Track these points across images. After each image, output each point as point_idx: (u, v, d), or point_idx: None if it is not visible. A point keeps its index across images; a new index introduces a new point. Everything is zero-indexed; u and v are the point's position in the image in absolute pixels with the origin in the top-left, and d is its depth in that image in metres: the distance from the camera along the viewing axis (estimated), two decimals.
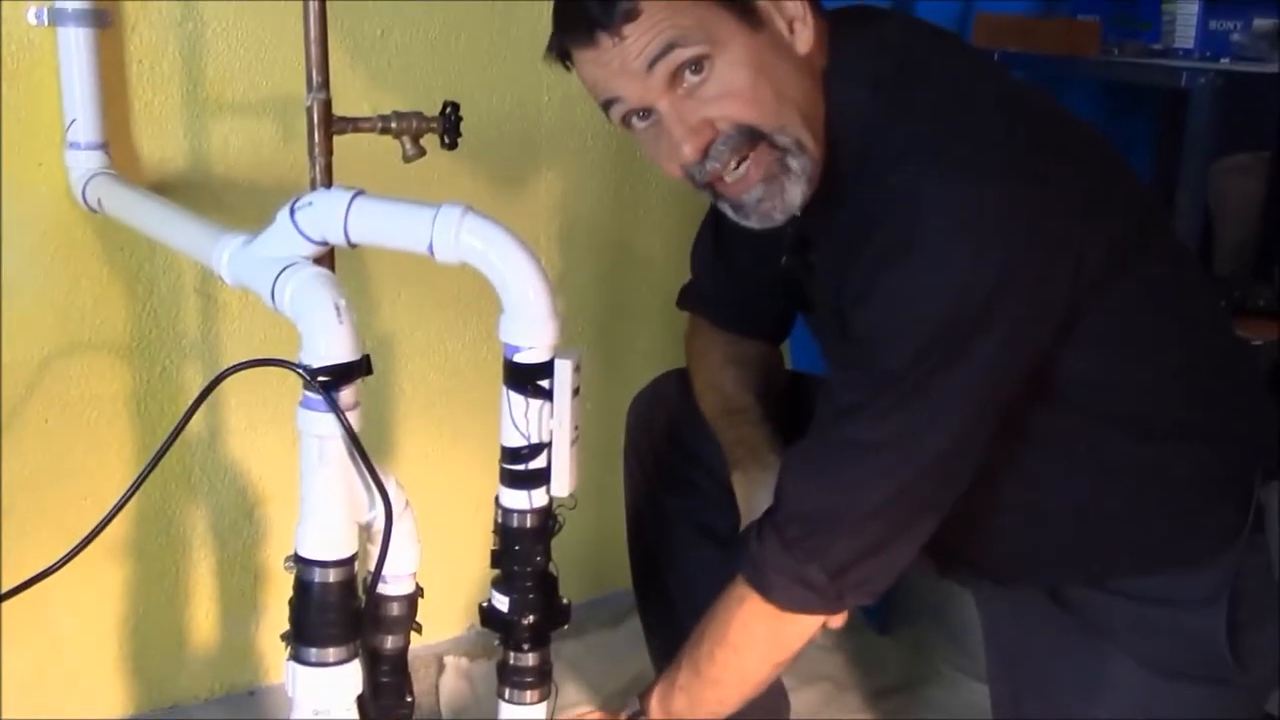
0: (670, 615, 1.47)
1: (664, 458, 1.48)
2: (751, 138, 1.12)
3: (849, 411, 1.11)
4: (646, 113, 1.14)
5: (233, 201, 1.58)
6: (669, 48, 1.09)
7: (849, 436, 1.12)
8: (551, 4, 1.17)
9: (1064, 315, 1.10)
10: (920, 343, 1.06)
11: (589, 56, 1.13)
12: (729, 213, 1.19)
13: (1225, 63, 1.93)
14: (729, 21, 1.11)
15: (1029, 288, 1.06)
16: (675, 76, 1.11)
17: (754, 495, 1.29)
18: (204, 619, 1.73)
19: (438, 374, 1.84)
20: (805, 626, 1.19)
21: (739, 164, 1.13)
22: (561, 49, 1.16)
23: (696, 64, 1.10)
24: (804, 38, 1.14)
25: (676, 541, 1.47)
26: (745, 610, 1.18)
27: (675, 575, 1.48)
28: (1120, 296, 1.13)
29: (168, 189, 1.52)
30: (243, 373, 1.09)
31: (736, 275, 1.42)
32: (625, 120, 1.16)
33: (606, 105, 1.16)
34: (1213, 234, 2.27)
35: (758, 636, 1.19)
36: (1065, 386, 1.16)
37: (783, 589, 1.16)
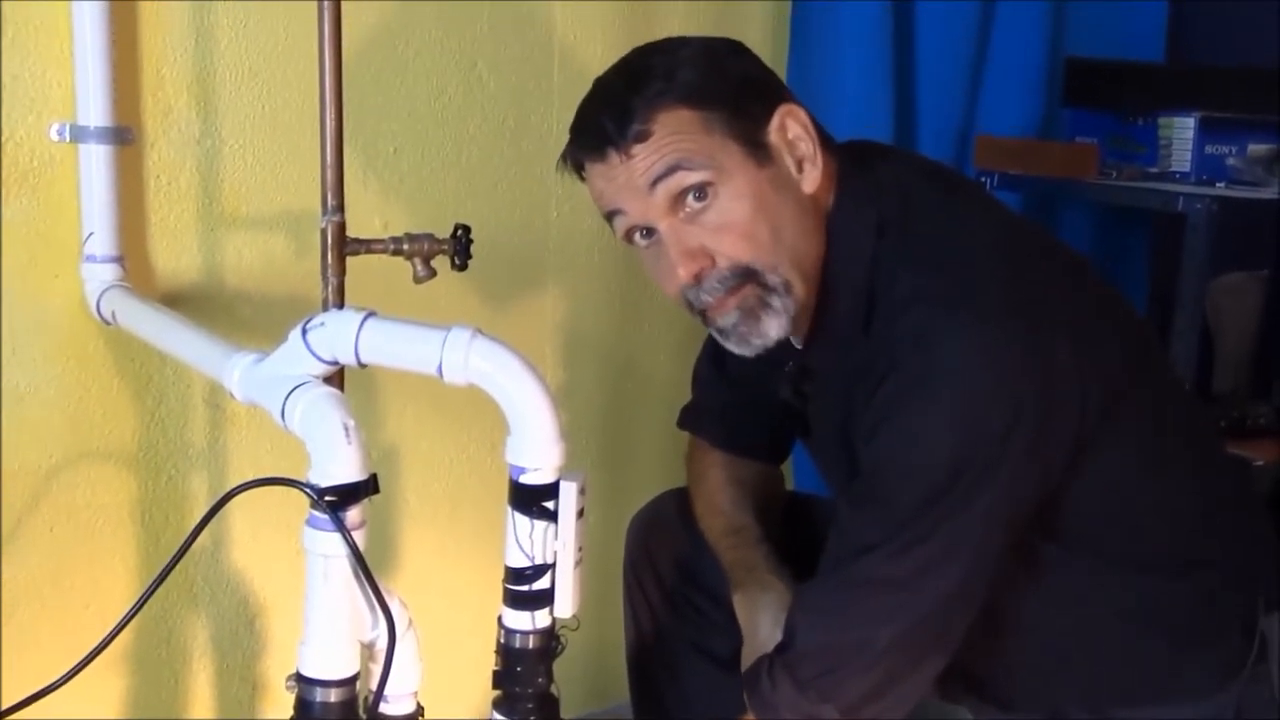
0: None
1: (665, 579, 1.48)
2: (744, 276, 1.15)
3: (865, 550, 1.12)
4: (648, 231, 1.17)
5: (244, 314, 1.60)
6: (673, 169, 1.13)
7: (864, 574, 1.12)
8: (562, 119, 1.21)
9: (1072, 447, 1.12)
10: (936, 483, 1.08)
11: (598, 170, 1.17)
12: (717, 337, 1.22)
13: (1221, 186, 1.97)
14: (737, 153, 1.14)
15: (1038, 425, 1.08)
16: (678, 199, 1.14)
17: (756, 618, 1.29)
18: None
19: (442, 487, 1.85)
20: None
21: (727, 296, 1.16)
22: (575, 159, 1.20)
23: (700, 190, 1.14)
24: (811, 178, 1.18)
25: (677, 663, 1.47)
26: None
27: (675, 697, 1.47)
28: (1122, 431, 1.15)
29: (181, 301, 1.55)
30: None
31: (736, 397, 1.44)
32: (628, 235, 1.20)
33: (610, 216, 1.19)
34: (1211, 353, 2.29)
35: None
36: (1072, 523, 1.17)
37: None
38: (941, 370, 1.07)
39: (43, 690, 1.12)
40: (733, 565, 1.36)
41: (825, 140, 1.21)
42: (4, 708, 1.15)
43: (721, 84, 1.16)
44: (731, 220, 1.14)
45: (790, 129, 1.17)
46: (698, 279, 1.15)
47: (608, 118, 1.15)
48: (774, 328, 1.18)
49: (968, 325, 1.08)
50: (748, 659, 1.28)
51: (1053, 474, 1.12)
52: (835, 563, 1.16)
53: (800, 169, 1.17)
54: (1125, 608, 1.21)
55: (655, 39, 1.22)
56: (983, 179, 2.09)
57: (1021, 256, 1.18)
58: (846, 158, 1.22)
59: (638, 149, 1.13)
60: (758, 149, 1.15)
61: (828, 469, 1.34)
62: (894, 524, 1.10)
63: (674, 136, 1.13)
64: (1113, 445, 1.14)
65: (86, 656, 1.10)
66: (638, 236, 1.19)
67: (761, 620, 1.29)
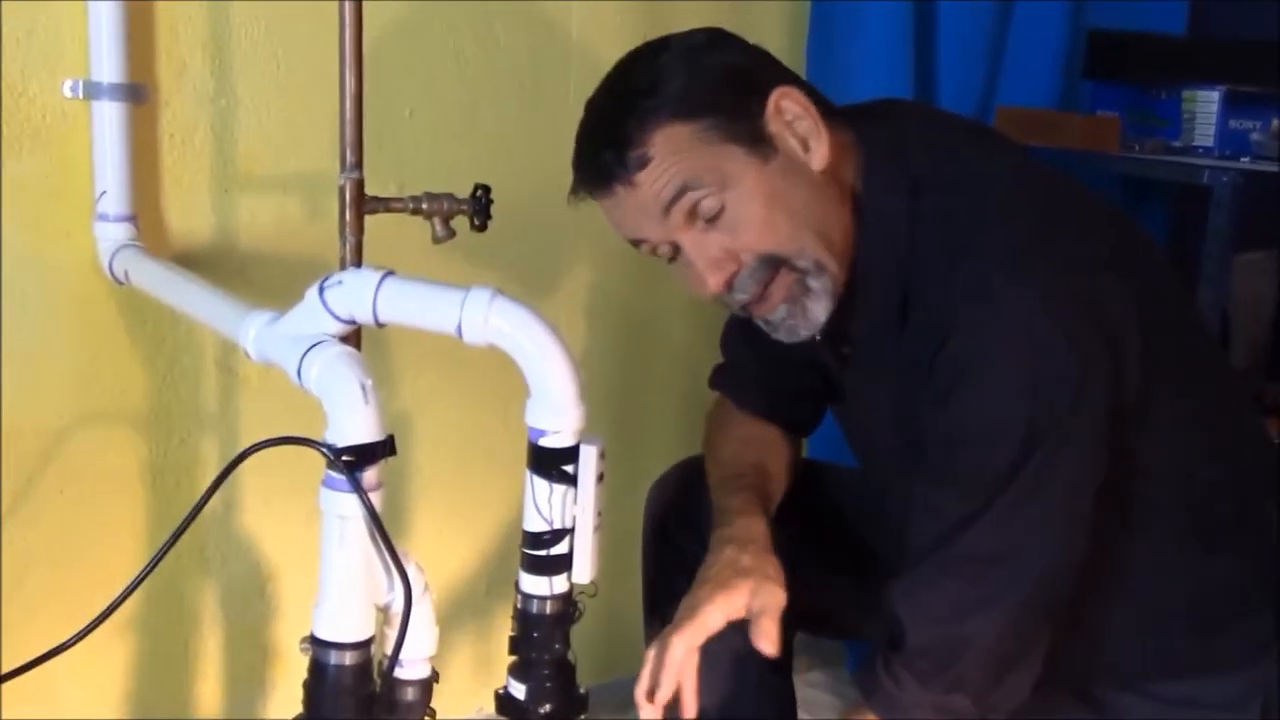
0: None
1: (685, 546, 1.46)
2: (773, 264, 1.16)
3: (964, 523, 1.09)
4: (673, 247, 1.18)
5: (257, 276, 1.58)
6: (682, 191, 1.13)
7: (969, 552, 1.10)
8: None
9: (1138, 389, 1.10)
10: (1021, 445, 1.06)
11: (608, 204, 1.18)
12: (762, 326, 1.22)
13: (1245, 161, 1.94)
14: (739, 157, 1.14)
15: (1109, 368, 1.07)
16: (692, 213, 1.15)
17: (708, 559, 1.26)
18: (211, 697, 1.70)
19: (455, 453, 1.83)
20: None
21: (763, 289, 1.17)
22: (584, 193, 1.21)
23: (712, 201, 1.14)
24: (819, 154, 1.16)
25: None
26: None
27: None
28: (1170, 382, 1.14)
29: (193, 261, 1.53)
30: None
31: (764, 361, 1.43)
32: (654, 252, 1.20)
33: (633, 244, 1.21)
34: (1228, 330, 2.27)
35: None
36: (1126, 485, 1.15)
37: None
38: (1007, 331, 1.06)
39: (50, 652, 1.10)
40: (717, 512, 1.34)
41: (830, 110, 1.19)
42: (13, 669, 1.13)
43: (709, 87, 1.15)
44: (748, 220, 1.14)
45: (787, 111, 1.16)
46: (729, 285, 1.16)
47: (606, 148, 1.16)
48: (820, 310, 1.18)
49: (1025, 281, 1.07)
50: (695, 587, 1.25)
51: (1127, 414, 1.10)
52: (933, 546, 1.12)
53: (806, 147, 1.16)
54: (1155, 585, 1.20)
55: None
56: None
57: (1065, 204, 1.17)
58: (861, 118, 1.21)
59: (640, 176, 1.14)
60: (759, 143, 1.14)
61: (864, 434, 1.32)
62: (987, 493, 1.08)
63: (674, 157, 1.13)
64: (1172, 395, 1.13)
65: (94, 620, 1.09)
66: (663, 252, 1.20)
67: (710, 562, 1.26)
